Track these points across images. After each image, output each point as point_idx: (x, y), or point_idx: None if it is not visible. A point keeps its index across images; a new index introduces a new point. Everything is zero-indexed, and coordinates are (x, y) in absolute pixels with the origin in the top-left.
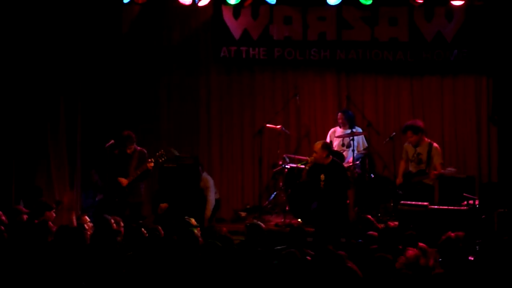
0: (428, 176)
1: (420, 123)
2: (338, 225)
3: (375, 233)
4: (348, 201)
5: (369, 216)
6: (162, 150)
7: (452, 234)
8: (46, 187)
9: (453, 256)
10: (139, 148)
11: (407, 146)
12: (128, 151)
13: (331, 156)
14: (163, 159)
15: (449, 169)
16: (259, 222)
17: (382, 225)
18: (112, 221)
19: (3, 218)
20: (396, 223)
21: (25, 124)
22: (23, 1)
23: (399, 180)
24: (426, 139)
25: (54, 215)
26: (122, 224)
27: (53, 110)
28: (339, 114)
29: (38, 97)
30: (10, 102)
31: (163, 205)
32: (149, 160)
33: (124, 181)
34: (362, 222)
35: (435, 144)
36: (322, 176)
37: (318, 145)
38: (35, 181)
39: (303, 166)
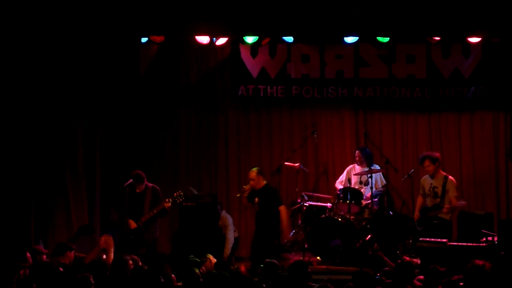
0: (442, 211)
1: (437, 154)
2: (267, 244)
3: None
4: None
5: (381, 253)
6: (180, 191)
7: (480, 262)
8: (65, 226)
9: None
10: (150, 184)
11: (424, 180)
12: (138, 190)
13: (265, 181)
14: (181, 199)
15: (460, 202)
16: (274, 261)
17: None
18: (130, 261)
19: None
20: (417, 260)
21: (44, 163)
22: (42, 38)
23: (416, 215)
24: (442, 172)
25: (74, 255)
26: (140, 263)
27: (72, 149)
28: (357, 151)
29: (57, 136)
30: (30, 141)
31: (132, 225)
32: (167, 200)
33: (133, 224)
34: (375, 259)
35: (450, 177)
36: (257, 199)
37: (253, 172)
38: (55, 221)
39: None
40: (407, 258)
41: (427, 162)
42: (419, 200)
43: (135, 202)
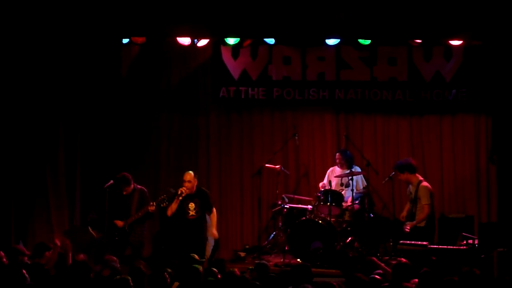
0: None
1: (406, 161)
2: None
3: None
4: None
5: (374, 258)
6: (164, 195)
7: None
8: (45, 227)
9: None
10: (139, 187)
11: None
12: (125, 192)
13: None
14: (165, 203)
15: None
16: (265, 262)
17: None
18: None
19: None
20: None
21: (24, 164)
22: (22, 39)
23: (403, 214)
24: (418, 176)
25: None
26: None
27: (52, 150)
28: (337, 154)
29: (37, 137)
30: (10, 141)
31: (119, 223)
32: (151, 203)
33: (119, 223)
34: (365, 264)
35: (423, 183)
36: (192, 205)
37: (190, 174)
38: (34, 221)
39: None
40: (403, 260)
41: (397, 173)
42: (407, 206)
43: (121, 204)
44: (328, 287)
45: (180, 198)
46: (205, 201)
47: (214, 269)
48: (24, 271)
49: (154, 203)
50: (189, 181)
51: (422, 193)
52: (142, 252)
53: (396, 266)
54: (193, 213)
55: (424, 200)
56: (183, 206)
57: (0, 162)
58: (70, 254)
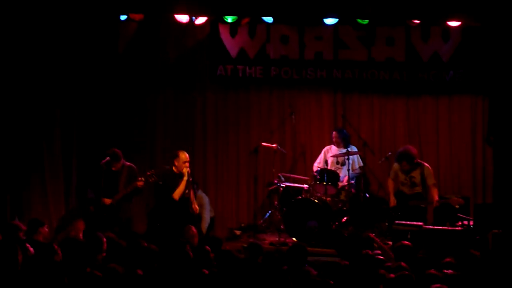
0: (428, 202)
1: (414, 150)
2: None
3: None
4: None
5: (372, 235)
6: (152, 170)
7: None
8: (41, 203)
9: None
10: (127, 163)
11: (398, 170)
12: (114, 168)
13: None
14: (153, 178)
15: (455, 199)
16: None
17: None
18: (104, 239)
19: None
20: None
21: (21, 141)
22: (19, 16)
23: (392, 201)
24: (418, 160)
25: (47, 230)
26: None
27: (48, 126)
28: (334, 132)
29: (34, 114)
30: (5, 118)
31: (107, 201)
32: (139, 179)
33: (107, 200)
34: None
35: (426, 164)
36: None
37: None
38: (30, 197)
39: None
40: (405, 242)
41: (404, 164)
42: (391, 184)
43: (110, 180)
44: (332, 266)
45: (191, 179)
46: (193, 179)
47: (207, 247)
48: (27, 244)
49: (143, 178)
50: (188, 161)
51: (428, 172)
52: (131, 228)
53: (399, 247)
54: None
55: (432, 179)
56: (178, 185)
57: None
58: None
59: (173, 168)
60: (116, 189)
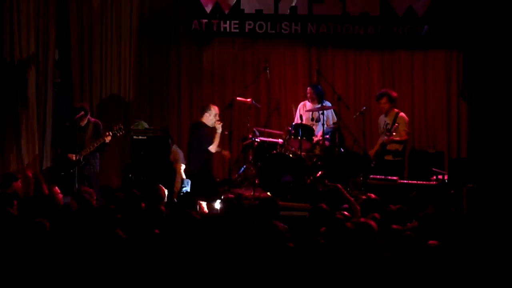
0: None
1: (394, 93)
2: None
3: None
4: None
5: (339, 185)
6: (120, 124)
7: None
8: (15, 157)
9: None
10: (93, 119)
11: (380, 119)
12: (81, 123)
13: None
14: (121, 133)
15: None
16: (231, 196)
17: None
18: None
19: None
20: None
21: None
22: None
23: (374, 150)
24: (395, 109)
25: (21, 185)
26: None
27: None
28: (308, 88)
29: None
30: None
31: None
32: (107, 133)
33: (72, 156)
34: (331, 192)
35: (401, 114)
36: None
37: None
38: (4, 150)
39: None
40: (373, 195)
41: (384, 99)
42: (379, 140)
43: (77, 136)
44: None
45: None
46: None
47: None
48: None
49: (110, 133)
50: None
51: (401, 120)
52: (97, 183)
53: (365, 201)
54: None
55: (404, 126)
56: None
57: None
58: (45, 186)
59: (202, 120)
60: (83, 145)
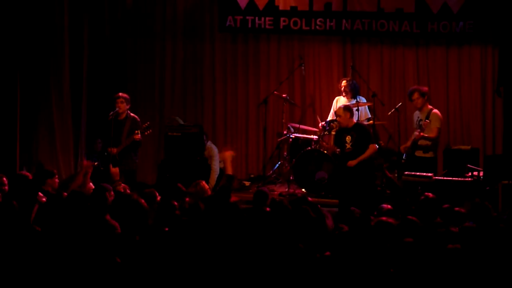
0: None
1: (426, 88)
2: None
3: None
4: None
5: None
6: (148, 122)
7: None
8: (50, 155)
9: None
10: (132, 114)
11: (414, 114)
12: (120, 117)
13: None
14: (149, 131)
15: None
16: (265, 189)
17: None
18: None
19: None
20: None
21: (29, 92)
22: None
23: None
24: (429, 105)
25: (57, 181)
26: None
27: (58, 75)
28: (344, 81)
29: (43, 63)
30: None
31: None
32: (136, 132)
33: (113, 150)
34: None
35: (435, 110)
36: (348, 138)
37: (340, 109)
38: (39, 149)
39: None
40: (430, 195)
41: (416, 95)
42: (412, 135)
43: (116, 130)
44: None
45: (333, 132)
46: (360, 136)
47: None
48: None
49: (139, 131)
50: (339, 115)
51: (434, 117)
52: (135, 180)
53: (423, 201)
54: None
55: (436, 123)
56: (342, 139)
57: (5, 88)
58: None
59: None
60: (120, 140)
